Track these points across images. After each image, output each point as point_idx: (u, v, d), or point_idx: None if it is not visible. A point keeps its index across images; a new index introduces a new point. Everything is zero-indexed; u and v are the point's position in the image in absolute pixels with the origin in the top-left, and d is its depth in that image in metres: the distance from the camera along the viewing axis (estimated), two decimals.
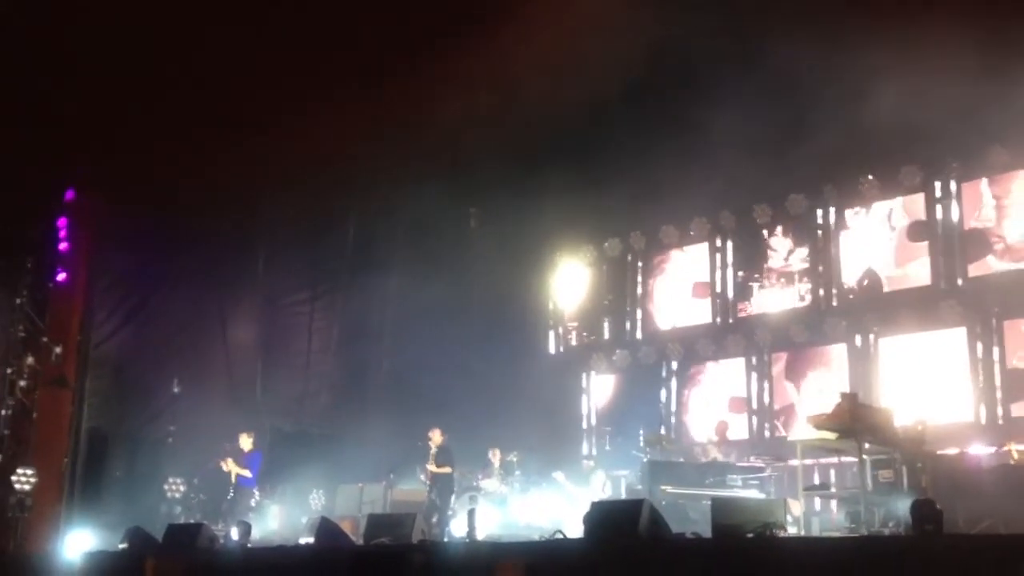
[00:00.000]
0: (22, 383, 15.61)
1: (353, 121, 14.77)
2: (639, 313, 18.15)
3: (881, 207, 15.53)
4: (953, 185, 14.90)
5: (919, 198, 15.17)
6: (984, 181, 14.62)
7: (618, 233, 18.33)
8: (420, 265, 17.79)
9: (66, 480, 14.92)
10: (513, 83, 15.68)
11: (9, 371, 16.16)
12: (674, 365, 17.38)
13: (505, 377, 17.52)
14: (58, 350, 15.07)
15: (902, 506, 8.56)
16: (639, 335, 18.02)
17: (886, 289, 15.32)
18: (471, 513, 10.57)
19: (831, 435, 10.41)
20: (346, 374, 18.45)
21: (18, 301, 16.16)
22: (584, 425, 18.17)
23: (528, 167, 16.84)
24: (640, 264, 18.26)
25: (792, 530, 9.18)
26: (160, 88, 13.46)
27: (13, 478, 14.35)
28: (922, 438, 10.57)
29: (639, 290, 18.20)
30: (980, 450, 12.83)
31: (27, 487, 14.29)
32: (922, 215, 15.10)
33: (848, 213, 15.85)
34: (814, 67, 13.94)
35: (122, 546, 10.89)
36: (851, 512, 9.96)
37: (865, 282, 15.53)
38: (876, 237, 15.52)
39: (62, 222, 15.55)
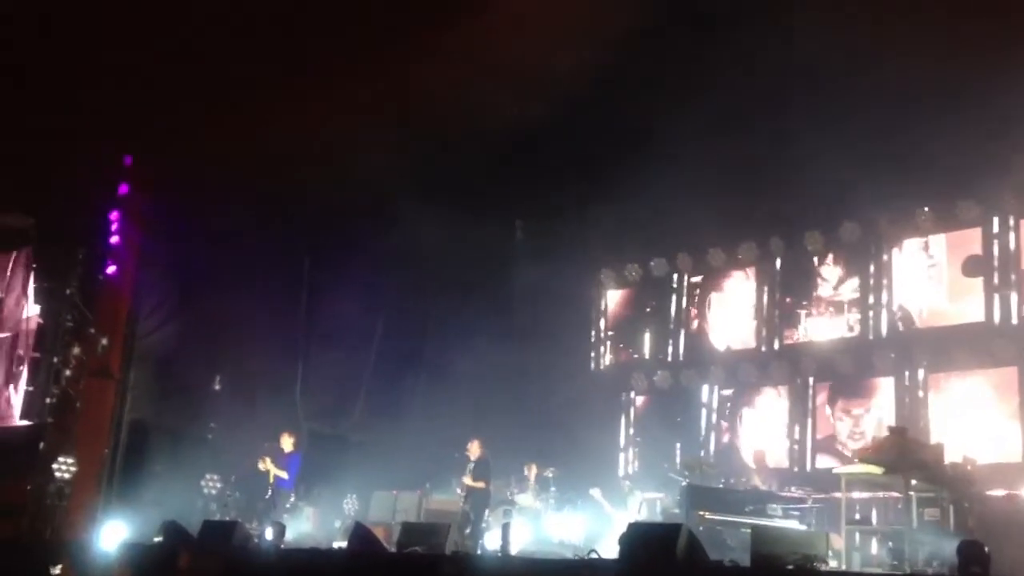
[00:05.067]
0: (67, 372, 15.75)
1: (403, 126, 14.83)
2: (682, 335, 17.99)
3: (935, 240, 15.28)
4: (1011, 220, 14.62)
5: (975, 232, 14.90)
6: None
7: (664, 253, 18.18)
8: (464, 276, 17.77)
9: (105, 471, 15.01)
10: (561, 94, 15.65)
11: (55, 360, 16.35)
12: (716, 388, 17.19)
13: (544, 392, 17.42)
14: (104, 341, 15.17)
15: (948, 546, 8.37)
16: (681, 357, 17.85)
17: (937, 324, 15.05)
18: (506, 527, 10.52)
19: (877, 469, 10.22)
20: (385, 382, 18.42)
21: (68, 291, 16.34)
22: (622, 444, 18.02)
23: (576, 183, 16.76)
24: (685, 285, 18.10)
25: (833, 564, 8.99)
26: (214, 82, 13.53)
27: (54, 466, 14.47)
28: (971, 477, 10.35)
29: (683, 311, 18.05)
30: None
31: (67, 476, 14.41)
32: (978, 250, 14.82)
33: (902, 244, 15.60)
34: (874, 94, 13.80)
35: (157, 539, 10.97)
36: (894, 549, 9.76)
37: (917, 315, 15.26)
38: (929, 271, 15.26)
39: (114, 215, 15.69)
